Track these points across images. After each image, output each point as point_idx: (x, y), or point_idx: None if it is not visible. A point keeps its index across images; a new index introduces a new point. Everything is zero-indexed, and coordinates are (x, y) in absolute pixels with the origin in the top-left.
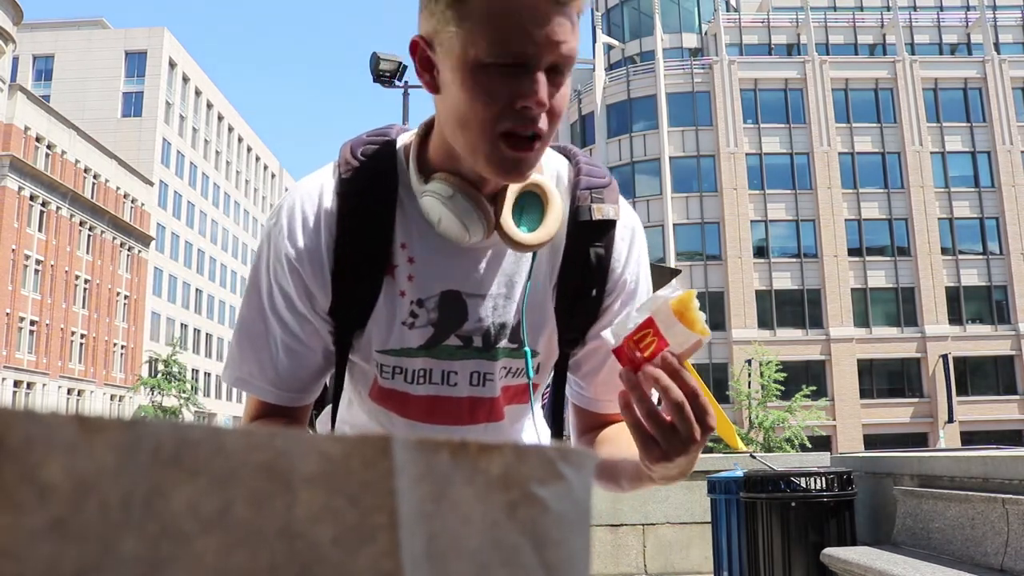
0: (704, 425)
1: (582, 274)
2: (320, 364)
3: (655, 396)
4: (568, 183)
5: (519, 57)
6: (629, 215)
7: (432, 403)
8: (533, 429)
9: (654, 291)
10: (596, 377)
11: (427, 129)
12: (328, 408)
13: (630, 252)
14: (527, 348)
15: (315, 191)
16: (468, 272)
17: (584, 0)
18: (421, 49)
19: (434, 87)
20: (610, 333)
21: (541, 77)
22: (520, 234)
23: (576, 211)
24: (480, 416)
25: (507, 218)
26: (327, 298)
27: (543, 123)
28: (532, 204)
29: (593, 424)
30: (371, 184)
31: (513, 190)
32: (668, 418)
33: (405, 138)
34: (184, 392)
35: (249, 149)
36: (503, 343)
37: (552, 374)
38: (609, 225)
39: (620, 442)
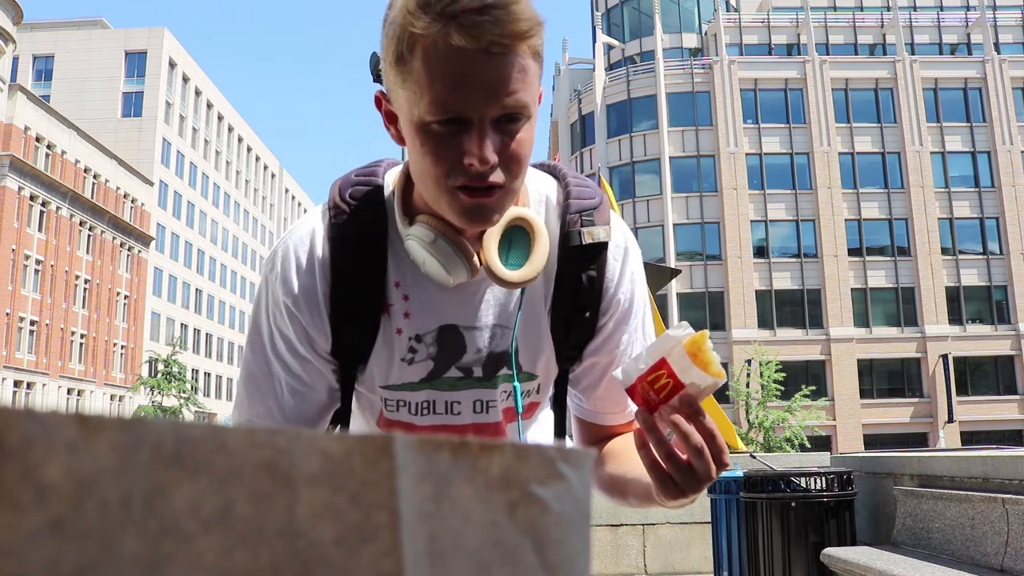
0: (720, 463)
1: (575, 297)
2: (324, 402)
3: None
4: (557, 205)
5: (459, 114)
6: (621, 232)
7: (436, 432)
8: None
9: (652, 292)
10: (595, 392)
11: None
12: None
13: (623, 271)
14: (516, 384)
15: (307, 237)
16: (463, 306)
17: (534, 41)
18: (384, 104)
19: (400, 139)
20: (620, 372)
21: (485, 134)
22: (507, 272)
23: (567, 236)
24: None
25: (493, 257)
26: (327, 340)
27: (497, 176)
28: (520, 238)
29: (597, 436)
30: (361, 227)
31: (499, 225)
32: (684, 457)
33: (392, 176)
34: (184, 392)
35: (249, 149)
36: (503, 371)
37: (553, 390)
38: (600, 247)
39: (628, 459)
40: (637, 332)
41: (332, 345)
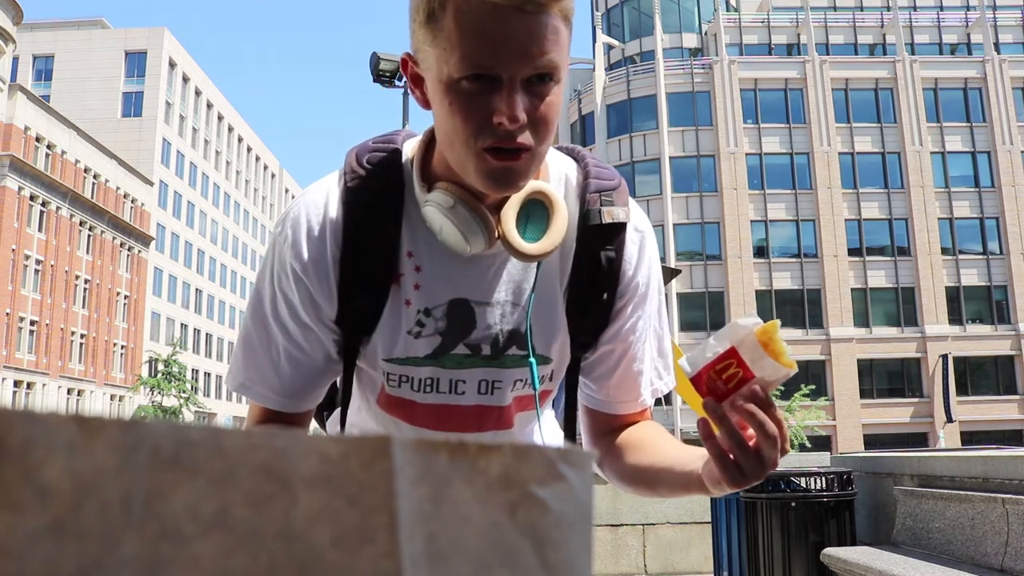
0: (783, 451)
1: (593, 278)
2: (321, 371)
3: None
4: (576, 185)
5: (490, 72)
6: (639, 217)
7: (439, 411)
8: (542, 434)
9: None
10: (609, 380)
11: (431, 137)
12: (338, 411)
13: (641, 255)
14: (532, 359)
15: (320, 200)
16: (476, 280)
17: (565, 4)
18: (410, 66)
19: (425, 103)
20: (686, 362)
21: (515, 92)
22: (524, 244)
23: (586, 214)
24: (488, 424)
25: (511, 228)
26: (333, 307)
27: (525, 137)
28: (538, 212)
29: (608, 426)
30: (377, 193)
31: (517, 198)
32: (751, 444)
33: (411, 144)
34: (184, 392)
35: (249, 149)
36: (512, 350)
37: (564, 378)
38: (619, 228)
39: (653, 450)
40: (652, 320)
41: (338, 313)
